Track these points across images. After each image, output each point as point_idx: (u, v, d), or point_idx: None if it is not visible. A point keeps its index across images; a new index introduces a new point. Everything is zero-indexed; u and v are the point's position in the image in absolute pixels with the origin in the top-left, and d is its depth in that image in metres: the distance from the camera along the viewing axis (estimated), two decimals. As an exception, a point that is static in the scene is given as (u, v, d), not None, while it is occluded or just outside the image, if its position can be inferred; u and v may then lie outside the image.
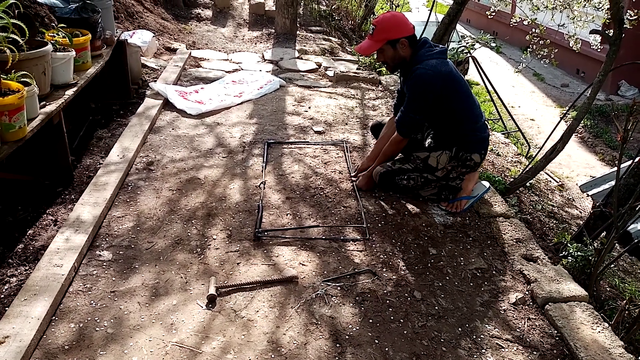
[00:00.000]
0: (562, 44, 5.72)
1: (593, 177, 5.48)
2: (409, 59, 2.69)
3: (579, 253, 2.73)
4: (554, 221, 3.73)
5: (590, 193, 5.07)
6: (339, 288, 2.17)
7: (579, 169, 7.20)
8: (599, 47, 4.98)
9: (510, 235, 2.61)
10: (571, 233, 3.49)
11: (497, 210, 2.82)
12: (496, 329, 2.03)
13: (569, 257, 3.09)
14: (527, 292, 2.25)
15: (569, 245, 3.14)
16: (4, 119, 2.24)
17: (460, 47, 6.15)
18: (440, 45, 2.74)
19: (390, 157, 2.89)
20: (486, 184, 2.92)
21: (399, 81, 3.06)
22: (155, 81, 4.46)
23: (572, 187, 5.70)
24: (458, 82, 2.67)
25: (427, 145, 2.90)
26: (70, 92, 2.87)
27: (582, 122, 7.67)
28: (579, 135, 8.32)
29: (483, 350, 1.92)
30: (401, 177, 2.78)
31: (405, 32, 2.65)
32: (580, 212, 4.67)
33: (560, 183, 5.57)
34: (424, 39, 2.73)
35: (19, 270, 2.20)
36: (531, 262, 2.43)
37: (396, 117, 2.75)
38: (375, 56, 5.93)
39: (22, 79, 2.39)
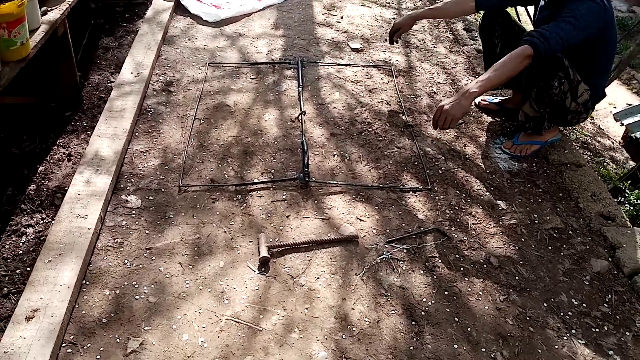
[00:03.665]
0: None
1: (629, 105, 5.15)
2: None
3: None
4: (589, 153, 3.47)
5: (625, 122, 4.79)
6: (405, 251, 1.91)
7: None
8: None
9: (584, 187, 2.33)
10: (605, 167, 3.25)
11: (569, 157, 2.51)
12: (583, 304, 1.81)
13: (627, 205, 2.86)
14: (610, 259, 2.02)
15: (627, 191, 2.91)
16: (1, 33, 1.79)
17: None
18: None
19: (503, 74, 2.10)
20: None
21: None
22: (162, -23, 3.84)
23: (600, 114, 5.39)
24: (615, 33, 2.26)
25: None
26: (73, -6, 2.36)
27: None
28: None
29: (573, 331, 1.71)
30: (561, 76, 2.23)
31: None
32: (612, 143, 4.42)
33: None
34: None
35: (34, 219, 1.89)
36: (609, 221, 2.18)
37: (535, 33, 2.12)
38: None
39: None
